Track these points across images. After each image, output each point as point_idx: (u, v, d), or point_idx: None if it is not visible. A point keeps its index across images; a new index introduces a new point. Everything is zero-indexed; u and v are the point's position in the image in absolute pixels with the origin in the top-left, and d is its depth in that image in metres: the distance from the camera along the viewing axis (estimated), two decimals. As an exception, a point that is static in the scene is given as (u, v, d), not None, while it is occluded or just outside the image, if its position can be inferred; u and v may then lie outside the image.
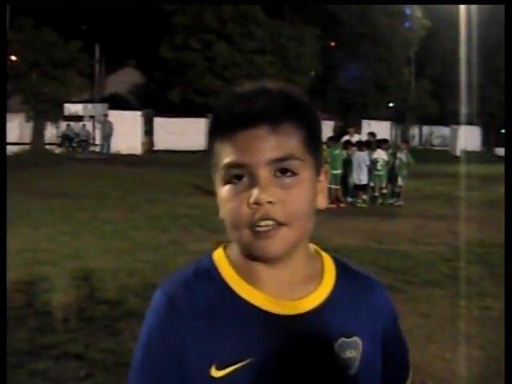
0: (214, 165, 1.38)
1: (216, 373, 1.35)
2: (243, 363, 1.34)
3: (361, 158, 17.16)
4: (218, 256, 1.46)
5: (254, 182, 1.30)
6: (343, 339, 1.41)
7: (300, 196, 1.34)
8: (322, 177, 1.43)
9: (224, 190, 1.35)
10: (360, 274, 1.52)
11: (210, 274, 1.43)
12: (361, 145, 17.71)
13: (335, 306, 1.43)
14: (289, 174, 1.33)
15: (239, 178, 1.33)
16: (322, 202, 1.42)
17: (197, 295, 1.40)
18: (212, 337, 1.36)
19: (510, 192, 3.57)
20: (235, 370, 1.34)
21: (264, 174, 1.31)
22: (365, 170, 17.19)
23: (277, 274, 1.40)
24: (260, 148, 1.31)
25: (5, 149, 9.72)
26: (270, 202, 1.30)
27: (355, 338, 1.42)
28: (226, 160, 1.33)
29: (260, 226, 1.30)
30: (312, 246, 1.49)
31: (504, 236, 3.50)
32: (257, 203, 1.29)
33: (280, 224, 1.31)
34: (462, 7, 37.17)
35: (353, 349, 1.41)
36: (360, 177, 17.10)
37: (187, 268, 1.47)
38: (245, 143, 1.32)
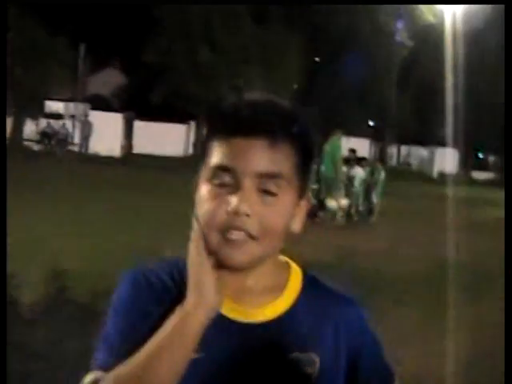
0: (203, 162, 1.39)
1: None
2: (194, 356, 1.34)
3: None
4: None
5: (236, 190, 1.31)
6: (297, 354, 1.39)
7: (277, 215, 1.35)
8: (304, 203, 1.43)
9: (205, 189, 1.36)
10: (331, 290, 1.51)
11: (180, 271, 1.42)
12: None
13: (294, 320, 1.42)
14: (272, 191, 1.33)
15: (223, 181, 1.33)
16: (298, 226, 1.43)
17: (164, 284, 1.42)
18: None
19: (510, 202, 3.57)
20: None
21: (249, 184, 1.32)
22: None
23: (239, 281, 1.41)
24: (253, 158, 1.32)
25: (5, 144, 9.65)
26: (247, 215, 1.30)
27: (311, 355, 1.40)
28: (217, 161, 1.34)
29: (231, 234, 1.31)
30: (283, 258, 1.49)
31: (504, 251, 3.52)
32: (235, 212, 1.30)
33: (250, 237, 1.31)
34: (448, 27, 37.40)
35: (308, 365, 1.39)
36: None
37: (159, 262, 1.50)
38: (240, 150, 1.32)
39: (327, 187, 16.31)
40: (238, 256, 1.33)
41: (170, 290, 1.40)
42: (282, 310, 1.41)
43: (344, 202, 16.59)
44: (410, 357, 6.35)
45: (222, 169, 1.33)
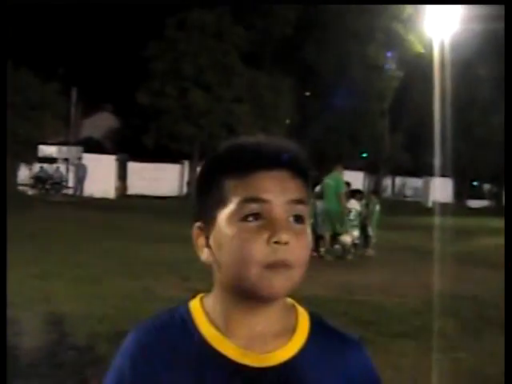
0: (219, 202, 1.37)
1: None
2: None
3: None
4: (194, 305, 1.47)
5: (271, 222, 1.32)
6: None
7: (306, 244, 1.37)
8: None
9: (232, 227, 1.34)
10: (337, 331, 1.51)
11: (184, 321, 1.43)
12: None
13: (305, 362, 1.41)
14: (299, 220, 1.36)
15: (254, 215, 1.33)
16: None
17: (167, 341, 1.41)
18: (178, 382, 1.37)
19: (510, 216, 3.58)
20: None
21: (282, 214, 1.34)
22: None
23: (250, 325, 1.40)
24: (281, 188, 1.35)
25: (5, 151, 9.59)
26: (286, 243, 1.31)
27: None
28: (246, 194, 1.34)
29: (274, 265, 1.31)
30: (289, 300, 1.49)
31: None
32: (277, 242, 1.31)
33: (288, 265, 1.33)
34: (436, 59, 37.65)
35: None
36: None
37: (164, 313, 1.48)
38: (266, 182, 1.35)
39: (331, 221, 16.32)
40: (279, 283, 1.32)
41: (176, 350, 1.40)
42: (291, 354, 1.41)
43: (355, 234, 16.69)
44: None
45: (253, 201, 1.33)
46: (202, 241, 1.42)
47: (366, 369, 1.49)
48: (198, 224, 1.43)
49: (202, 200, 1.42)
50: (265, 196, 1.33)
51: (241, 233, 1.33)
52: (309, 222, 1.39)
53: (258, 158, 1.36)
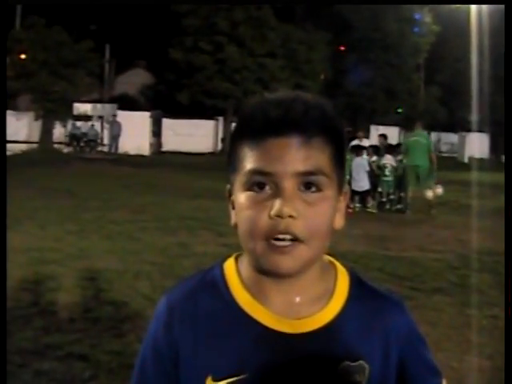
0: (235, 168, 1.33)
1: None
2: (239, 378, 1.31)
3: (359, 163, 16.91)
4: (229, 266, 1.42)
5: (277, 193, 1.26)
6: (347, 362, 1.34)
7: (322, 213, 1.29)
8: (343, 197, 1.38)
9: (243, 197, 1.29)
10: (377, 292, 1.45)
11: (217, 284, 1.40)
12: (359, 150, 17.35)
13: (343, 327, 1.36)
14: (313, 189, 1.28)
15: (261, 186, 1.27)
16: (340, 222, 1.38)
17: (199, 305, 1.38)
18: (211, 349, 1.34)
19: (509, 200, 3.53)
20: (231, 383, 1.32)
21: (289, 185, 1.26)
22: (364, 176, 16.97)
23: (285, 291, 1.35)
24: (289, 158, 1.26)
25: (5, 148, 9.69)
26: (291, 216, 1.24)
27: (361, 362, 1.35)
28: (251, 166, 1.28)
29: (277, 239, 1.25)
30: (327, 258, 1.44)
31: (504, 244, 3.49)
32: (278, 216, 1.24)
33: (298, 240, 1.26)
34: (473, 12, 37.03)
35: (358, 373, 1.35)
36: (359, 183, 16.84)
37: (196, 275, 1.44)
38: (273, 151, 1.26)
39: (416, 177, 16.57)
40: (287, 262, 1.27)
41: (209, 315, 1.37)
42: (330, 318, 1.36)
43: (439, 190, 16.80)
44: (447, 350, 6.30)
45: (257, 173, 1.27)
46: (230, 203, 1.38)
47: (409, 330, 1.43)
48: (228, 186, 1.39)
49: (228, 162, 1.37)
50: (271, 169, 1.26)
51: (247, 204, 1.29)
52: (330, 189, 1.30)
53: (268, 125, 1.27)
